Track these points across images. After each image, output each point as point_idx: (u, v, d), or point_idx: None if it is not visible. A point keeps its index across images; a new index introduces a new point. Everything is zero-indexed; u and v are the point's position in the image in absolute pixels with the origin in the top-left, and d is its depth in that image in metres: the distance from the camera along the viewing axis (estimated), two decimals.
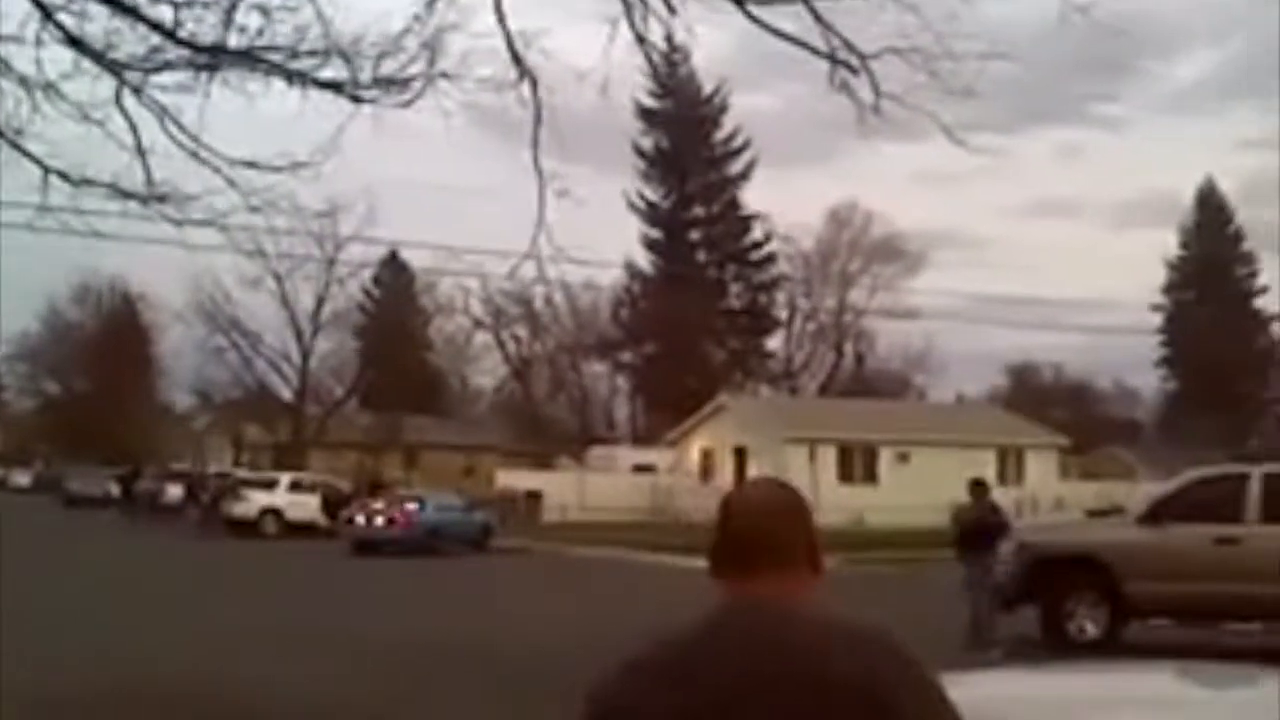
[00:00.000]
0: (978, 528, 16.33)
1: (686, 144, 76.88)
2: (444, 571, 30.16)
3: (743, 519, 2.57)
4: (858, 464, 47.50)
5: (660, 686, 2.36)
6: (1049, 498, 44.41)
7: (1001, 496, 41.30)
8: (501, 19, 8.67)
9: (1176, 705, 3.48)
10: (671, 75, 70.35)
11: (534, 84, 8.91)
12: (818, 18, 8.55)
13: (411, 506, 36.65)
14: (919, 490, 43.93)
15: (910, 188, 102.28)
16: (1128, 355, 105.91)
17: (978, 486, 17.02)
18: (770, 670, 2.32)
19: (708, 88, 76.07)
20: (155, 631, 17.51)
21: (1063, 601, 15.62)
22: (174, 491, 52.50)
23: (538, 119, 9.03)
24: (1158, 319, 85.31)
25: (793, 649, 2.35)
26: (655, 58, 8.91)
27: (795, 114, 77.06)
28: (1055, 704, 3.51)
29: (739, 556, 2.53)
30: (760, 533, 2.53)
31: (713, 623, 2.44)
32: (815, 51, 8.69)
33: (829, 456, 46.84)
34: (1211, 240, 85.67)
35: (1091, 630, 15.46)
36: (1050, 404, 76.21)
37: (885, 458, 47.81)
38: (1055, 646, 15.05)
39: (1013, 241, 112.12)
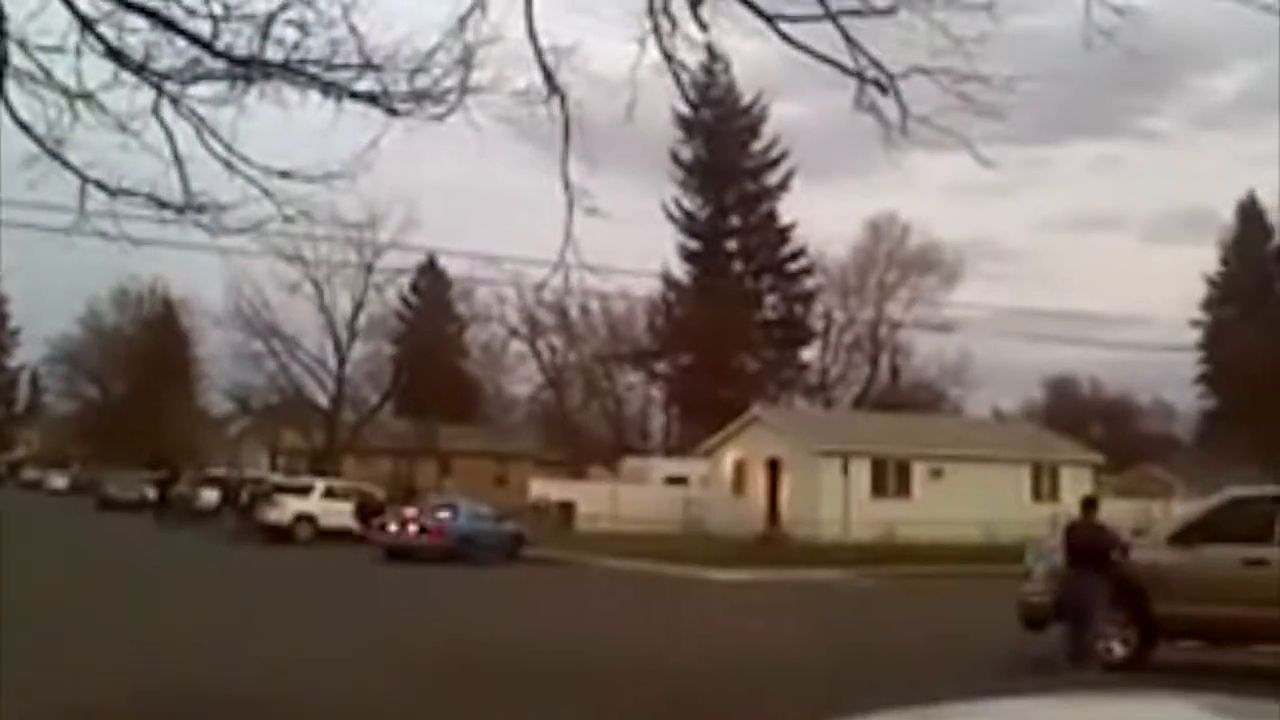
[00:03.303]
0: (1089, 544, 15.78)
1: (725, 154, 76.91)
2: (472, 580, 30.22)
3: None
4: (891, 478, 47.32)
5: None
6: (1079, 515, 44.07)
7: (1035, 513, 41.14)
8: (533, 36, 8.74)
9: None
10: (710, 85, 70.44)
11: (563, 100, 8.99)
12: (847, 37, 8.59)
13: (443, 514, 36.79)
14: (953, 506, 43.81)
15: (948, 199, 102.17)
16: (1165, 371, 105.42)
17: (1089, 505, 16.44)
18: None
19: (746, 97, 76.13)
20: (175, 632, 17.65)
21: None
22: (209, 496, 52.88)
23: (566, 135, 9.10)
24: (1196, 335, 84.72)
25: None
26: (684, 76, 8.92)
27: (833, 124, 76.78)
28: None
29: None
30: None
31: None
32: (844, 70, 8.71)
33: (862, 470, 46.73)
34: (1252, 256, 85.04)
35: (1120, 651, 15.37)
36: (1087, 419, 75.83)
37: (919, 472, 47.63)
38: (1083, 667, 14.96)
39: (1051, 254, 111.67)
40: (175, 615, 20.18)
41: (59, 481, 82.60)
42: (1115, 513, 43.55)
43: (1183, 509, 26.05)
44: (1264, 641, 14.83)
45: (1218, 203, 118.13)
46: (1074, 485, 48.75)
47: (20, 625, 16.48)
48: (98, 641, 16.56)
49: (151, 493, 56.84)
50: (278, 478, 52.35)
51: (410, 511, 38.04)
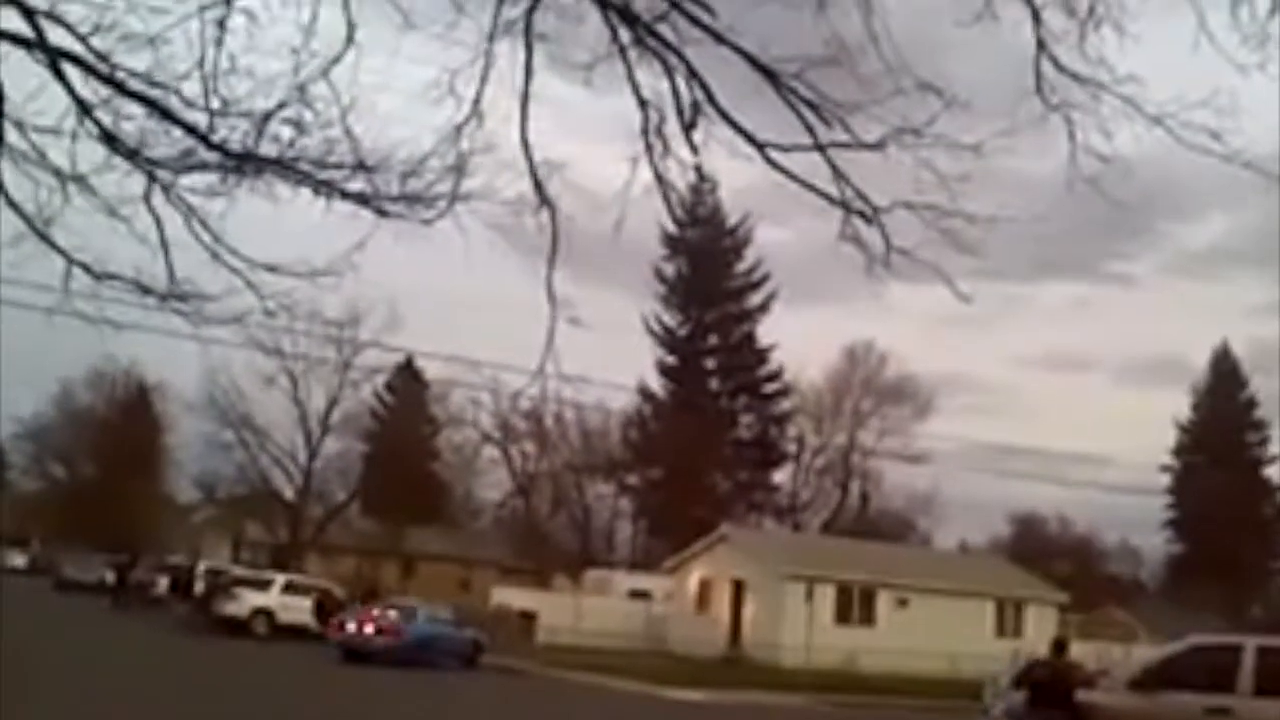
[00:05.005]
0: (1053, 684, 15.68)
1: (708, 273, 77.54)
2: (427, 686, 29.80)
3: None
4: (856, 605, 47.13)
5: None
6: (1046, 654, 43.91)
7: (998, 648, 40.85)
8: (527, 149, 8.85)
9: None
10: (698, 205, 71.24)
11: (553, 212, 9.08)
12: (834, 169, 8.72)
13: (402, 617, 36.31)
14: (916, 637, 43.65)
15: (926, 330, 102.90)
16: (1133, 514, 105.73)
17: (1059, 648, 16.47)
18: None
19: (732, 219, 77.00)
20: None
21: None
22: (165, 583, 52.22)
23: (554, 246, 9.17)
24: (1165, 479, 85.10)
25: None
26: (673, 196, 9.05)
27: (816, 251, 77.65)
28: None
29: None
30: None
31: None
32: (830, 200, 8.82)
33: (827, 596, 46.55)
34: (1224, 405, 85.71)
35: None
36: (1053, 556, 75.78)
37: (884, 601, 47.47)
38: None
39: (1023, 390, 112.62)
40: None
41: (17, 560, 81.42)
42: (1076, 654, 43.49)
43: (1144, 654, 25.98)
44: None
45: (1188, 349, 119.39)
46: (1038, 623, 48.66)
47: None
48: None
49: (110, 576, 56.15)
50: (238, 570, 51.72)
51: (369, 612, 37.53)
